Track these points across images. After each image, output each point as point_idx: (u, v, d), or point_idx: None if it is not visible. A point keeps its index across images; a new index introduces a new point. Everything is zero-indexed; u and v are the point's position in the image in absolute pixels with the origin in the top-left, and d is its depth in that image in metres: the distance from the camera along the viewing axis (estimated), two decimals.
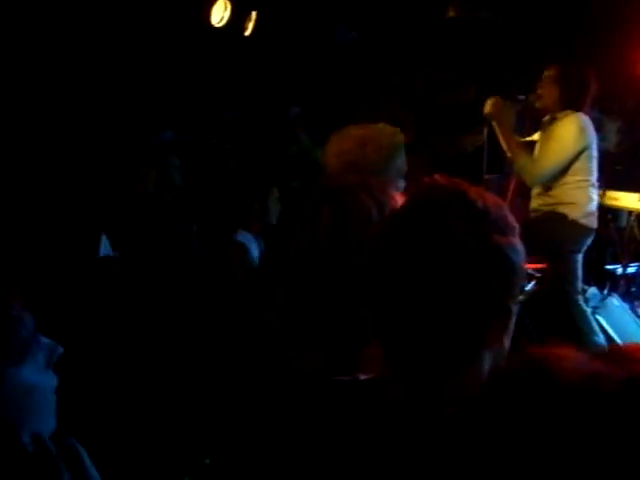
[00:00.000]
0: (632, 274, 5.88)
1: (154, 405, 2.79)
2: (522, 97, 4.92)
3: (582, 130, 4.12)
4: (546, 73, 4.23)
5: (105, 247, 3.50)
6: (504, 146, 4.30)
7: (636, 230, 5.57)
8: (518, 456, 0.66)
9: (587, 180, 4.23)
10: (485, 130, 6.65)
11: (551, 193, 4.23)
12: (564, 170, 4.15)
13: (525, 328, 3.50)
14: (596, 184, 4.35)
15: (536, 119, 4.62)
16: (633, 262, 5.86)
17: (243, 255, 3.80)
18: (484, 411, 0.72)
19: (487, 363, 1.18)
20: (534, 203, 4.39)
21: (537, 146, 4.35)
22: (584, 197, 4.23)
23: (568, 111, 4.16)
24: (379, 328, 1.20)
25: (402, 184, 2.62)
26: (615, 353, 0.72)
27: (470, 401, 0.77)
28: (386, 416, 1.13)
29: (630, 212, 5.61)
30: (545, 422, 0.66)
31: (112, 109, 5.71)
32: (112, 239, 3.68)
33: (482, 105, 4.59)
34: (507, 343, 1.20)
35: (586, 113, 4.21)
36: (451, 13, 6.18)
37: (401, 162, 2.63)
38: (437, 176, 1.24)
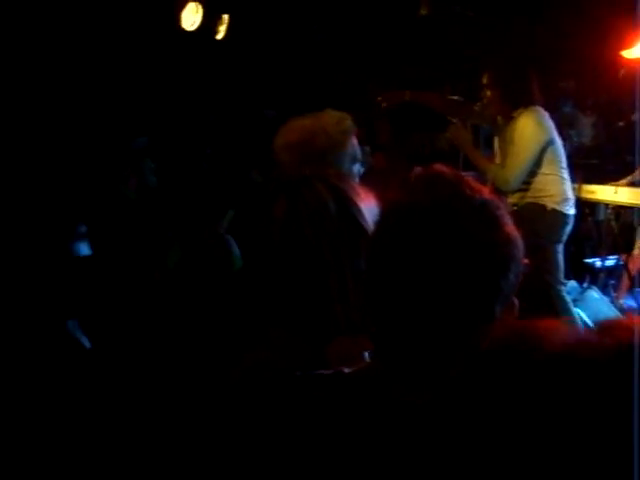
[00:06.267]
0: (611, 267, 5.91)
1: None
2: (458, 98, 4.89)
3: (540, 124, 4.09)
4: (483, 80, 4.19)
5: (85, 248, 3.48)
6: (473, 162, 4.28)
7: (613, 223, 5.59)
8: (506, 431, 0.65)
9: (558, 169, 4.22)
10: None
11: (526, 186, 4.23)
12: (534, 165, 4.14)
13: None
14: (567, 170, 4.33)
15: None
16: (611, 255, 5.89)
17: (228, 251, 3.71)
18: (472, 388, 0.71)
19: None
20: (512, 198, 4.37)
21: (498, 149, 4.32)
22: (557, 186, 4.22)
23: (521, 109, 4.11)
24: (378, 321, 1.17)
25: (358, 170, 2.53)
26: (603, 325, 0.71)
27: (456, 379, 0.76)
28: (380, 410, 1.10)
29: (607, 205, 5.64)
30: (529, 393, 0.65)
31: (87, 114, 5.68)
32: (92, 241, 3.66)
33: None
34: None
35: (539, 102, 4.15)
36: (423, 11, 6.18)
37: (352, 148, 2.51)
38: (437, 166, 1.22)
